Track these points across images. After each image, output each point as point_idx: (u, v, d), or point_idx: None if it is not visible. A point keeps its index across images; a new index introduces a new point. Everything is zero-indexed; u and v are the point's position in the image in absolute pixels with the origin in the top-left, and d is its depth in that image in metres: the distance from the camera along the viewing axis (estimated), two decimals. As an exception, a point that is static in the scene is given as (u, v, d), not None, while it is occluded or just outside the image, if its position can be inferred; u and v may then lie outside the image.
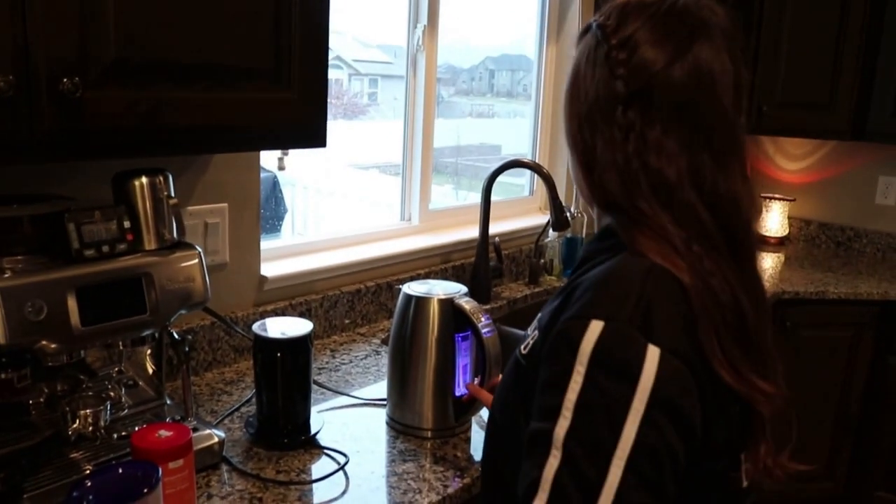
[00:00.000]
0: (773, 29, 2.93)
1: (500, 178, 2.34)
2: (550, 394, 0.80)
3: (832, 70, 2.89)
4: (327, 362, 1.84)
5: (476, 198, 2.43)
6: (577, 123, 0.94)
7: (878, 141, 2.99)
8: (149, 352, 1.40)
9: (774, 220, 3.34)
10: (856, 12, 2.83)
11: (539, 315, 0.98)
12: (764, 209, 3.34)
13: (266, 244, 1.91)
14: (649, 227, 0.87)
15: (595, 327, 0.79)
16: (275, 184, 3.90)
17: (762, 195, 3.35)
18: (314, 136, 1.40)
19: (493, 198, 2.37)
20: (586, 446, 0.76)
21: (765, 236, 3.33)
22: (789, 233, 3.40)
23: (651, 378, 0.77)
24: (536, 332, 0.93)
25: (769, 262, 3.06)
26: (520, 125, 3.20)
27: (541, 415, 0.81)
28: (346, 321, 2.05)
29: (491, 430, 1.07)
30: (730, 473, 0.90)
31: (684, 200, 0.87)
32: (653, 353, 0.78)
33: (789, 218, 3.39)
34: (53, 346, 1.13)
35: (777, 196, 3.34)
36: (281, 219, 4.10)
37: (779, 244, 3.35)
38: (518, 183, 3.11)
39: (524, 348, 0.94)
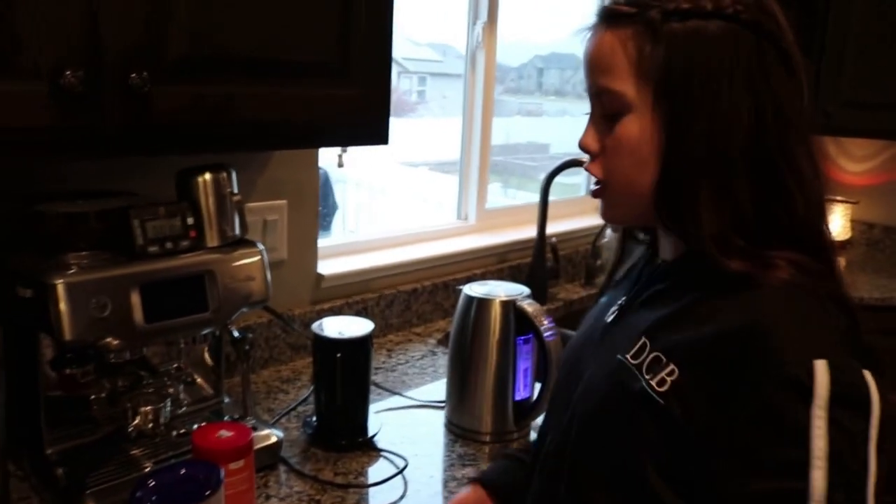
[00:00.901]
0: (839, 25, 2.84)
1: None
2: (785, 448, 0.72)
3: (901, 69, 2.79)
4: (384, 362, 1.82)
5: (525, 196, 2.39)
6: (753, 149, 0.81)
7: (949, 142, 2.88)
8: (207, 348, 1.40)
9: (836, 223, 3.24)
10: (927, 8, 2.73)
11: (655, 342, 0.85)
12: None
13: (320, 242, 1.89)
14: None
15: (821, 367, 0.72)
16: (326, 181, 3.90)
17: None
18: (377, 132, 1.38)
19: (549, 198, 2.32)
20: (847, 491, 0.71)
21: (826, 240, 3.24)
22: (852, 236, 3.30)
23: (877, 403, 0.73)
24: (673, 366, 0.81)
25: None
26: (569, 124, 3.15)
27: (777, 472, 0.73)
28: (402, 320, 2.03)
29: (575, 461, 0.92)
30: None
31: None
32: (869, 378, 0.74)
33: (852, 221, 3.28)
34: (117, 342, 1.13)
35: (839, 199, 3.24)
36: (332, 216, 4.11)
37: (840, 248, 3.25)
38: (572, 182, 3.06)
39: (658, 385, 0.81)
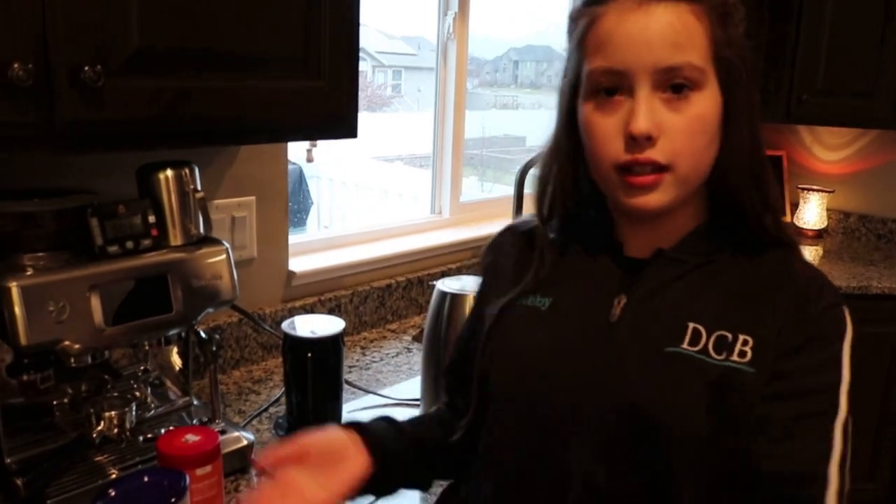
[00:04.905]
0: (814, 14, 2.83)
1: (531, 170, 2.27)
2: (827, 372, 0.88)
3: (876, 57, 2.79)
4: (357, 360, 1.78)
5: (502, 189, 2.37)
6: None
7: (923, 129, 2.89)
8: (175, 350, 1.36)
9: (812, 212, 3.24)
10: (900, -4, 2.73)
11: (713, 325, 0.87)
12: (802, 201, 3.25)
13: (293, 238, 1.86)
14: None
15: (846, 313, 0.90)
16: (300, 176, 3.87)
17: (799, 186, 3.26)
18: (344, 126, 1.34)
19: (525, 190, 2.29)
20: (850, 420, 0.87)
21: (802, 229, 3.24)
22: (828, 225, 3.30)
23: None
24: (746, 336, 0.86)
25: (807, 256, 2.97)
26: (544, 116, 3.13)
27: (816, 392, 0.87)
28: (376, 317, 2.00)
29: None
30: None
31: None
32: None
33: (828, 210, 3.29)
34: (77, 346, 1.09)
35: (815, 187, 3.24)
36: (307, 212, 4.07)
37: (817, 237, 3.25)
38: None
39: (740, 356, 0.85)
